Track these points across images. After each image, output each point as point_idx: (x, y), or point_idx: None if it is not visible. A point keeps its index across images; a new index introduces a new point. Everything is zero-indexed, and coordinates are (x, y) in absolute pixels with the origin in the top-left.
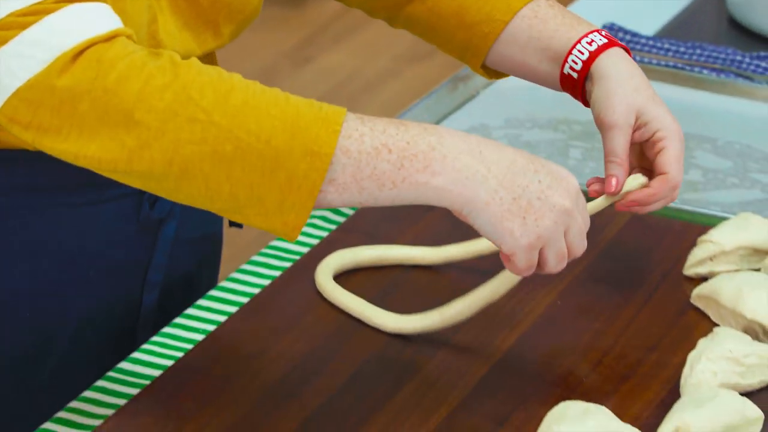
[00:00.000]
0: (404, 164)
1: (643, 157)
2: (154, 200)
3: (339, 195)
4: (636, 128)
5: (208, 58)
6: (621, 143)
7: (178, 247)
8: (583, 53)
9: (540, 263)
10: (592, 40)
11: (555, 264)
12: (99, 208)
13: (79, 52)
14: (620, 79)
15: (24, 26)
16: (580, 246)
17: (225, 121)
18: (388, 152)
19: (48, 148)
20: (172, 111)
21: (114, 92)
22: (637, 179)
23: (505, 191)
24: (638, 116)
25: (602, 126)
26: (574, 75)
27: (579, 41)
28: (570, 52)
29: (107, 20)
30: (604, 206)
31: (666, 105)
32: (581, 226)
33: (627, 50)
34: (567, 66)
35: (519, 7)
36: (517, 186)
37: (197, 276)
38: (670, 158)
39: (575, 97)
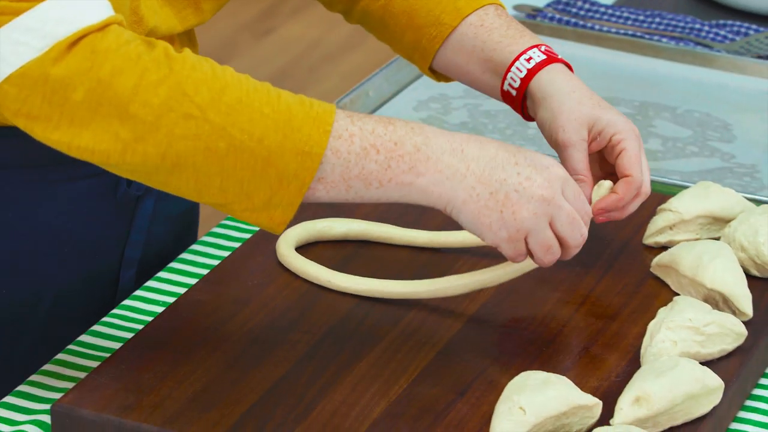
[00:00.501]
0: (391, 165)
1: (605, 162)
2: None
3: (326, 192)
4: (591, 139)
5: (188, 35)
6: (580, 160)
7: (155, 223)
8: (521, 71)
9: (530, 254)
10: (531, 57)
11: (542, 254)
12: (75, 184)
13: (73, 42)
14: (562, 96)
15: (17, 12)
16: (574, 235)
17: (219, 119)
18: (376, 152)
19: (40, 137)
20: (167, 107)
21: (109, 84)
22: (602, 186)
23: (482, 187)
24: (590, 128)
25: (557, 147)
26: (513, 92)
27: (518, 58)
28: (509, 69)
29: (99, 8)
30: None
31: (614, 108)
32: (569, 214)
33: (567, 65)
34: (506, 83)
35: (467, 13)
36: (494, 180)
37: (174, 252)
38: (630, 159)
39: (517, 111)
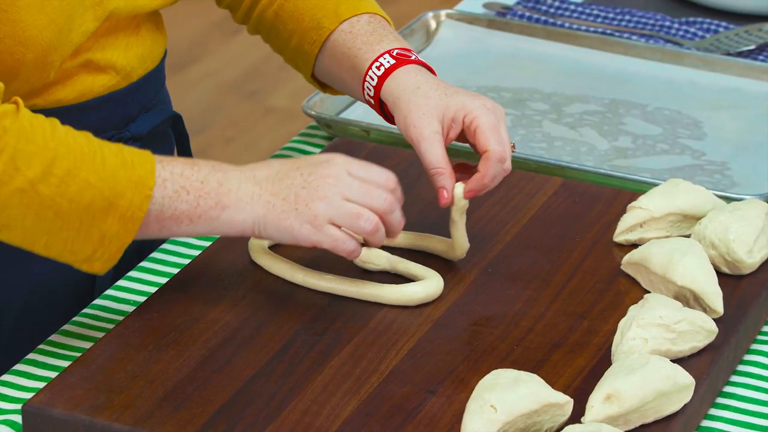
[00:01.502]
0: (200, 203)
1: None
2: None
3: (141, 233)
4: (447, 129)
5: (155, 19)
6: (436, 152)
7: None
8: (373, 79)
9: (356, 233)
10: (381, 65)
11: (357, 226)
12: None
13: None
14: (408, 95)
15: None
16: (376, 200)
17: (49, 191)
18: (186, 193)
19: None
20: (1, 182)
21: None
22: (459, 188)
23: (275, 198)
24: (441, 118)
25: (414, 144)
26: (372, 101)
27: (370, 66)
28: (365, 79)
29: None
30: (457, 217)
31: (466, 91)
32: (360, 185)
33: (422, 64)
34: (365, 93)
35: (344, 18)
36: (283, 188)
37: (148, 240)
38: (485, 134)
39: (384, 119)
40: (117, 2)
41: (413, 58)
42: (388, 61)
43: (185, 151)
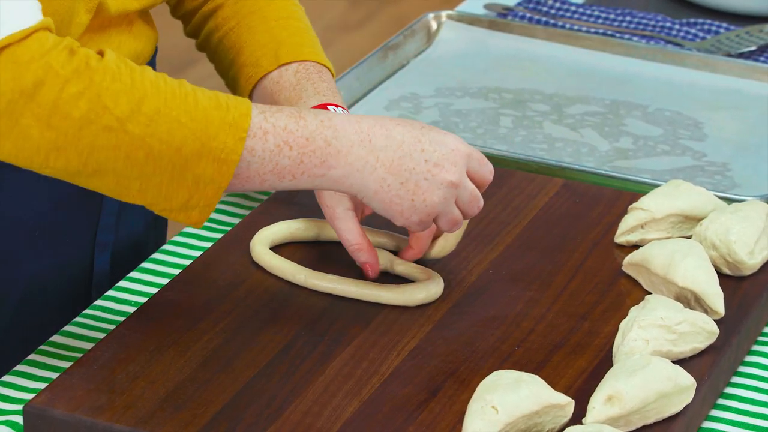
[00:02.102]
0: (303, 160)
1: None
2: None
3: (241, 185)
4: (358, 203)
5: (145, 18)
6: (350, 230)
7: (125, 207)
8: None
9: (436, 226)
10: None
11: (448, 228)
12: None
13: None
14: None
15: None
16: (474, 208)
17: (138, 130)
18: (289, 149)
19: None
20: (87, 120)
21: (30, 96)
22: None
23: (392, 177)
24: (352, 197)
25: (329, 223)
26: None
27: None
28: None
29: (24, 15)
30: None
31: None
32: (472, 192)
33: (344, 108)
34: None
35: (281, 63)
36: (404, 170)
37: (144, 238)
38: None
39: None
40: None
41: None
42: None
43: None
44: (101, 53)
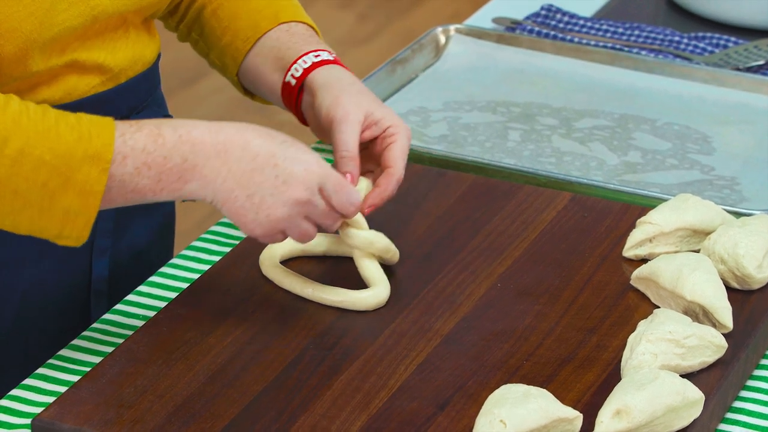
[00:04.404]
0: (162, 178)
1: (368, 159)
2: None
3: (107, 205)
4: (366, 127)
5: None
6: (352, 136)
7: (123, 215)
8: (306, 62)
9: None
10: (319, 55)
11: (300, 240)
12: None
13: None
14: (343, 84)
15: None
16: (330, 225)
17: (3, 171)
18: (148, 169)
19: None
20: None
21: None
22: (362, 182)
23: (240, 190)
24: (367, 116)
25: (332, 123)
26: (293, 81)
27: (307, 53)
28: (294, 62)
29: None
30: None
31: (390, 108)
32: (323, 210)
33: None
34: (289, 74)
35: (282, 21)
36: (252, 183)
37: (147, 249)
38: (396, 153)
39: (290, 108)
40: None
41: (349, 69)
42: (328, 56)
43: None
44: None
